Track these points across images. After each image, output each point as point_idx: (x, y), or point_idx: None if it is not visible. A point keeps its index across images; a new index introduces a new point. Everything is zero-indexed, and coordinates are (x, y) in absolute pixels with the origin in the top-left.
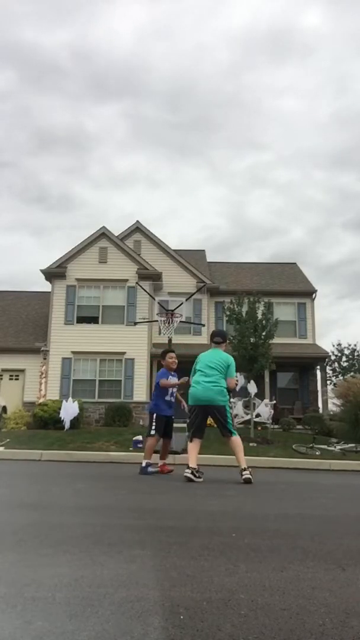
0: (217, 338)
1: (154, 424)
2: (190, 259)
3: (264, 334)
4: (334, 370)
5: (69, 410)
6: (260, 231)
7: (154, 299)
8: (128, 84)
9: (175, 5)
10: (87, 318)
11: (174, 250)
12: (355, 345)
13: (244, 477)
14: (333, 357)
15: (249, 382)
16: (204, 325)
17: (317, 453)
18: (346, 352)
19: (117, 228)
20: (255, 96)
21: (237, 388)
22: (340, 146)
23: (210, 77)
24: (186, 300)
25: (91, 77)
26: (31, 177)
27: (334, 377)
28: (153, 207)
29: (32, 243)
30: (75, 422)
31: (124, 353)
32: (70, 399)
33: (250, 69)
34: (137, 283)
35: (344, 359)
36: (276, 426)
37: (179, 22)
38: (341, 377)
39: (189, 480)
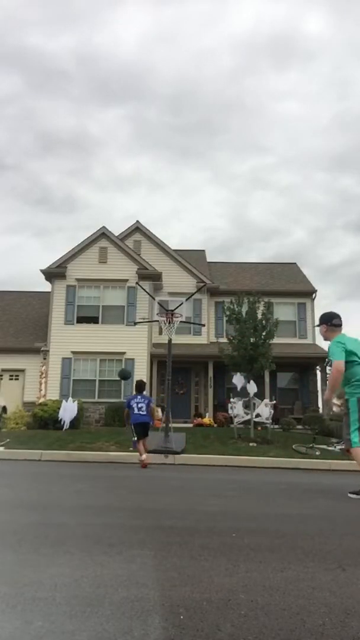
0: (338, 320)
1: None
2: (190, 259)
3: (264, 334)
4: None
5: (69, 410)
6: (262, 232)
7: (154, 299)
8: (132, 87)
9: (178, 10)
10: (87, 318)
11: (174, 250)
12: None
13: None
14: None
15: (248, 382)
16: (203, 325)
17: (317, 453)
18: None
19: (119, 230)
20: (258, 100)
21: (239, 388)
22: (341, 149)
23: (213, 81)
24: (186, 300)
25: (95, 81)
26: (35, 179)
27: None
28: (156, 208)
29: (35, 244)
30: (75, 422)
31: (124, 353)
32: (70, 399)
33: (252, 73)
34: (137, 283)
35: None
36: (276, 426)
37: (182, 27)
38: None
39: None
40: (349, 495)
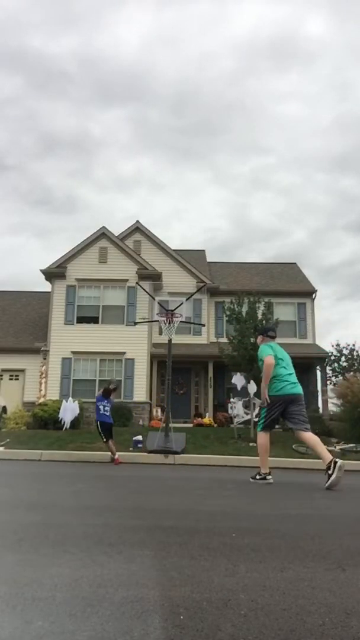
0: (273, 333)
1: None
2: (190, 259)
3: None
4: (333, 370)
5: (69, 410)
6: (262, 233)
7: (154, 299)
8: (133, 89)
9: (180, 13)
10: (87, 318)
11: (174, 250)
12: (354, 345)
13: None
14: (332, 358)
15: (249, 382)
16: (203, 325)
17: None
18: (345, 352)
19: (120, 230)
20: (258, 101)
21: (239, 388)
22: (341, 150)
23: (214, 83)
24: (186, 300)
25: (96, 83)
26: (36, 179)
27: (334, 377)
28: (156, 209)
29: (35, 244)
30: (75, 422)
31: (123, 353)
32: (70, 398)
33: (253, 75)
34: (137, 283)
35: (342, 359)
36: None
37: (183, 29)
38: (341, 377)
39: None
40: (250, 479)
